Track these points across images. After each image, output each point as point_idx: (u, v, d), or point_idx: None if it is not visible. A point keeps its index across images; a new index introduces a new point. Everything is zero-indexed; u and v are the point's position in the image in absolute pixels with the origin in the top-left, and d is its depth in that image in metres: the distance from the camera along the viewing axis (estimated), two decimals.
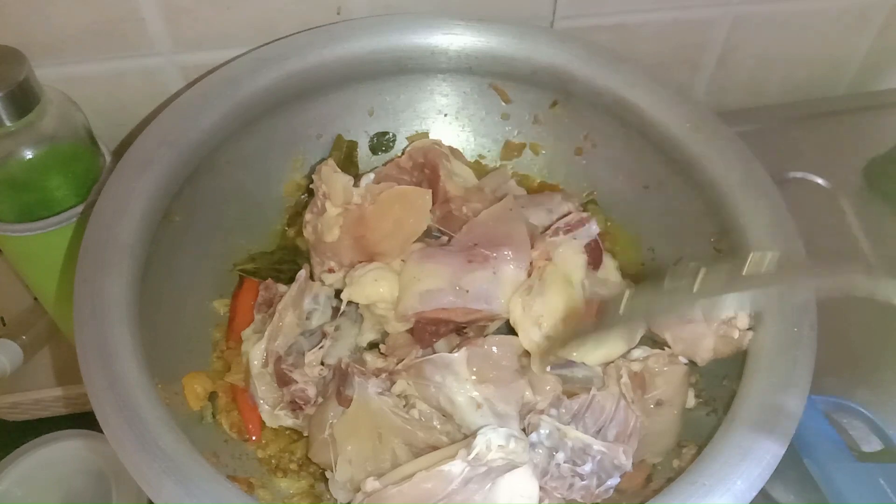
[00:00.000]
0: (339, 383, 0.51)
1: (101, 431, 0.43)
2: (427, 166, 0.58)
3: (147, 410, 0.44)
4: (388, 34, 0.61)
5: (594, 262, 0.52)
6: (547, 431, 0.49)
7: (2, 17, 0.59)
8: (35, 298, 0.69)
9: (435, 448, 0.48)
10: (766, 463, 0.45)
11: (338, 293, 0.56)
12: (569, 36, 0.62)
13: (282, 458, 0.53)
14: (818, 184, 0.73)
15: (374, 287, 0.52)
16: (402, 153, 0.61)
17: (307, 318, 0.56)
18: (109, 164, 0.59)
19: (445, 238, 0.56)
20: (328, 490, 0.51)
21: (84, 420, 0.65)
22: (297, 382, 0.52)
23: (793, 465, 0.56)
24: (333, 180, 0.55)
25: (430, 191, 0.56)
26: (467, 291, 0.49)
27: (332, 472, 0.49)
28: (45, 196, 0.56)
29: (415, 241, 0.55)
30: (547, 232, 0.53)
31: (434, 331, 0.51)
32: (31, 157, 0.54)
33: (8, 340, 0.65)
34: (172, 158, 0.54)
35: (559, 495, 0.48)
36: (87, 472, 0.63)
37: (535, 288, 0.50)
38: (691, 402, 0.53)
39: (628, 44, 0.73)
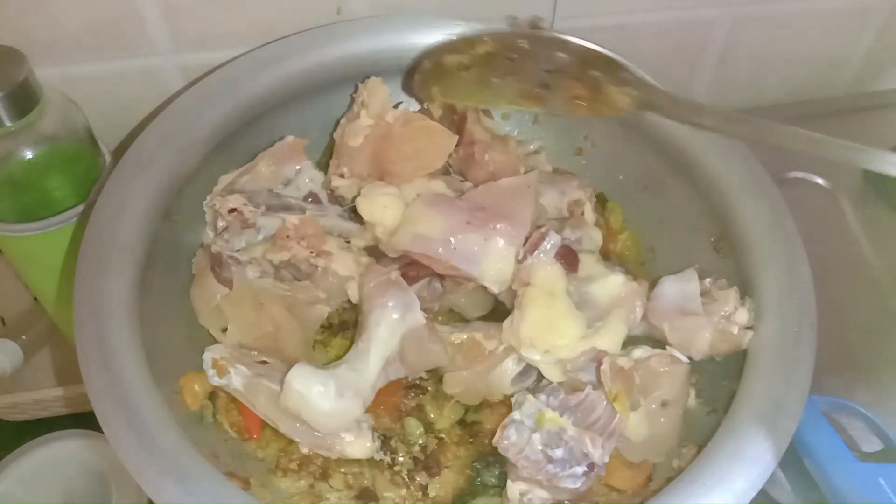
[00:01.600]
0: (213, 264, 0.53)
1: (101, 431, 0.43)
2: (457, 112, 0.59)
3: (147, 410, 0.44)
4: (388, 34, 0.61)
5: (570, 266, 0.53)
6: (529, 411, 0.49)
7: (2, 17, 0.59)
8: (35, 298, 0.69)
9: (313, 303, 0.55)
10: (766, 462, 0.45)
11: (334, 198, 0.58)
12: (570, 36, 0.62)
13: (282, 457, 0.53)
14: (818, 184, 0.73)
15: (383, 212, 0.54)
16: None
17: (282, 184, 0.57)
18: (109, 164, 0.59)
19: (460, 179, 0.58)
20: (329, 486, 0.52)
21: (84, 420, 0.65)
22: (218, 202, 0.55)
23: (793, 465, 0.56)
24: (376, 91, 0.57)
25: (457, 137, 0.57)
26: (455, 249, 0.51)
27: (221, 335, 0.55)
28: (45, 196, 0.56)
29: (431, 176, 0.56)
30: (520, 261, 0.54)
31: (415, 275, 0.54)
32: (31, 157, 0.54)
33: (8, 340, 0.65)
34: (172, 158, 0.54)
35: (527, 474, 0.48)
36: (87, 472, 0.63)
37: (515, 314, 0.51)
38: (692, 402, 0.53)
39: (628, 44, 0.72)
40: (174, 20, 0.63)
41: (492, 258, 0.52)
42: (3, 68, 0.51)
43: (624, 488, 0.51)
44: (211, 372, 0.51)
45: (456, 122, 0.59)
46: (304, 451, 0.52)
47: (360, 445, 0.51)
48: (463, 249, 0.51)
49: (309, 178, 0.59)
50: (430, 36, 0.61)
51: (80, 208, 0.56)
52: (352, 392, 0.49)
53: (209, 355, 0.52)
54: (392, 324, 0.51)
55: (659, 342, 0.54)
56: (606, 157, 0.64)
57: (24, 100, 0.52)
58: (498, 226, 0.52)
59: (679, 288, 0.53)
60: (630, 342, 0.53)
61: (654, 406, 0.51)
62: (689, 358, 0.53)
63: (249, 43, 0.63)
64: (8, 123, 0.52)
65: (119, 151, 0.54)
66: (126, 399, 0.44)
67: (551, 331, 0.50)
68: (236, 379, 0.51)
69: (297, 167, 0.58)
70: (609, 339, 0.51)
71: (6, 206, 0.56)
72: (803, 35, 0.77)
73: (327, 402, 0.48)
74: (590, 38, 0.68)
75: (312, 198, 0.58)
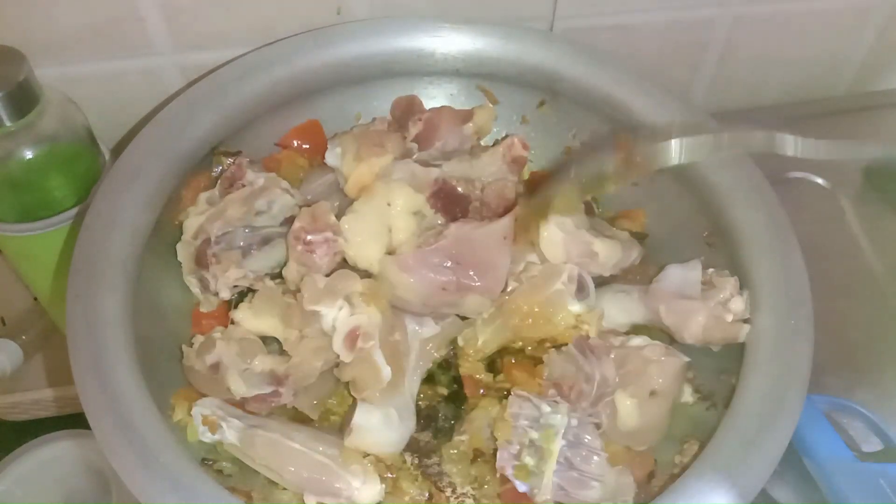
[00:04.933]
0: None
1: None
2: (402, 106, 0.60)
3: (146, 428, 0.44)
4: (374, 38, 0.61)
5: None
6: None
7: (2, 17, 0.59)
8: (35, 298, 0.69)
9: None
10: (771, 457, 0.45)
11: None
12: (555, 35, 0.63)
13: None
14: (818, 184, 0.73)
15: (370, 265, 0.53)
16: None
17: (256, 215, 0.55)
18: (109, 164, 0.59)
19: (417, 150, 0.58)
20: None
21: (84, 420, 0.65)
22: (208, 270, 0.53)
23: (793, 465, 0.56)
24: None
25: None
26: (434, 307, 0.53)
27: None
28: (45, 196, 0.56)
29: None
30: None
31: None
32: (31, 157, 0.54)
33: (8, 340, 0.65)
34: (160, 170, 0.53)
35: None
36: (87, 472, 0.63)
37: None
38: (689, 397, 0.53)
39: (628, 44, 0.73)
40: (174, 20, 0.63)
41: (469, 307, 0.53)
42: (3, 68, 0.52)
43: None
44: (202, 429, 0.50)
45: (404, 107, 0.60)
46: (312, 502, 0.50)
47: (369, 491, 0.49)
48: (440, 307, 0.53)
49: (282, 205, 0.57)
50: (416, 39, 0.61)
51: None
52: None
53: (199, 411, 0.50)
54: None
55: (664, 334, 0.54)
56: None
57: (24, 100, 0.52)
58: (473, 284, 0.52)
59: (682, 274, 0.54)
60: (633, 332, 0.54)
61: (645, 394, 0.51)
62: (683, 342, 0.53)
63: (249, 43, 0.63)
64: (8, 123, 0.52)
65: (118, 150, 0.54)
66: (124, 418, 0.44)
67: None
68: (230, 433, 0.50)
69: (269, 200, 0.56)
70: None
71: (6, 206, 0.56)
72: (803, 35, 0.77)
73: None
74: (590, 38, 0.69)
75: (290, 221, 0.56)
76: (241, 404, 0.51)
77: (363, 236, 0.53)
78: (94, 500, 0.62)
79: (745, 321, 0.51)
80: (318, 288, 0.51)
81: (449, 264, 0.52)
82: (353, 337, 0.50)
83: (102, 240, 0.49)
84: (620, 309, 0.55)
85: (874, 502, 0.52)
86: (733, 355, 0.51)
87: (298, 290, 0.52)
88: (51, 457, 0.63)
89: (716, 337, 0.52)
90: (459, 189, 0.56)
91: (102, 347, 0.46)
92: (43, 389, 0.67)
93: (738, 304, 0.51)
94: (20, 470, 0.62)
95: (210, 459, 0.50)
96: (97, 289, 0.48)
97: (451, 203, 0.55)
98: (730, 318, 0.51)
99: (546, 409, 0.50)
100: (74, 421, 0.66)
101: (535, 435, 0.49)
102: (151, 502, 0.42)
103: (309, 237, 0.53)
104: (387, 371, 0.50)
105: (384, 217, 0.54)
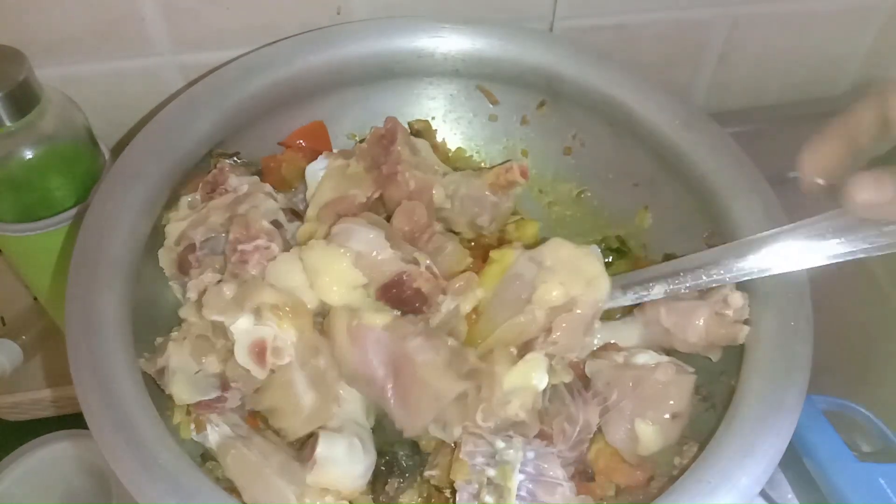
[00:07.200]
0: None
1: None
2: (387, 136, 0.57)
3: (144, 428, 0.44)
4: (374, 38, 0.61)
5: None
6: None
7: (2, 17, 0.59)
8: (35, 298, 0.69)
9: None
10: (770, 458, 0.45)
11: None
12: (555, 36, 0.62)
13: None
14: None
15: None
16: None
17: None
18: (109, 164, 0.59)
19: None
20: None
21: (83, 420, 0.65)
22: (189, 276, 0.52)
23: (793, 465, 0.56)
24: None
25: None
26: (370, 397, 0.50)
27: None
28: (45, 196, 0.56)
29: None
30: None
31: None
32: (31, 157, 0.54)
33: (8, 340, 0.65)
34: (160, 170, 0.53)
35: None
36: (87, 472, 0.63)
37: None
38: None
39: (628, 44, 0.73)
40: (174, 20, 0.63)
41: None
42: (3, 68, 0.52)
43: (624, 486, 0.51)
44: (192, 426, 0.49)
45: (385, 144, 0.58)
46: None
47: None
48: (375, 399, 0.49)
49: (266, 210, 0.54)
50: (416, 39, 0.61)
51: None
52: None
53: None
54: None
55: (658, 343, 0.54)
56: (596, 156, 0.63)
57: (24, 100, 0.52)
58: (391, 405, 0.48)
59: None
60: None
61: (665, 417, 0.50)
62: (685, 342, 0.53)
63: (249, 43, 0.63)
64: (8, 123, 0.52)
65: (118, 150, 0.54)
66: (123, 418, 0.44)
67: None
68: (212, 437, 0.49)
69: (252, 205, 0.54)
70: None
71: (6, 206, 0.56)
72: (803, 35, 0.77)
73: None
74: (590, 38, 0.68)
75: (274, 224, 0.54)
76: (242, 412, 0.51)
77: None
78: (94, 500, 0.62)
79: (745, 322, 0.51)
80: (223, 297, 0.47)
81: (384, 367, 0.47)
82: (259, 350, 0.46)
83: (102, 240, 0.49)
84: (617, 337, 0.55)
85: (874, 502, 0.52)
86: (733, 356, 0.51)
87: None
88: (51, 457, 0.63)
89: (718, 335, 0.51)
90: (422, 289, 0.49)
91: (102, 347, 0.46)
92: (43, 389, 0.67)
93: (738, 300, 0.50)
94: (20, 470, 0.62)
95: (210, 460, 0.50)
96: (96, 289, 0.47)
97: (403, 302, 0.49)
98: (730, 312, 0.50)
99: (500, 444, 0.48)
100: (74, 421, 0.66)
101: (491, 472, 0.47)
102: (150, 503, 0.42)
103: (240, 247, 0.50)
104: (308, 397, 0.46)
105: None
